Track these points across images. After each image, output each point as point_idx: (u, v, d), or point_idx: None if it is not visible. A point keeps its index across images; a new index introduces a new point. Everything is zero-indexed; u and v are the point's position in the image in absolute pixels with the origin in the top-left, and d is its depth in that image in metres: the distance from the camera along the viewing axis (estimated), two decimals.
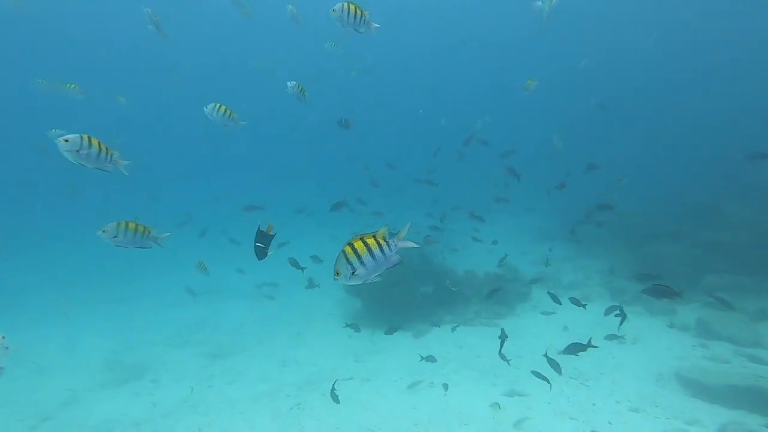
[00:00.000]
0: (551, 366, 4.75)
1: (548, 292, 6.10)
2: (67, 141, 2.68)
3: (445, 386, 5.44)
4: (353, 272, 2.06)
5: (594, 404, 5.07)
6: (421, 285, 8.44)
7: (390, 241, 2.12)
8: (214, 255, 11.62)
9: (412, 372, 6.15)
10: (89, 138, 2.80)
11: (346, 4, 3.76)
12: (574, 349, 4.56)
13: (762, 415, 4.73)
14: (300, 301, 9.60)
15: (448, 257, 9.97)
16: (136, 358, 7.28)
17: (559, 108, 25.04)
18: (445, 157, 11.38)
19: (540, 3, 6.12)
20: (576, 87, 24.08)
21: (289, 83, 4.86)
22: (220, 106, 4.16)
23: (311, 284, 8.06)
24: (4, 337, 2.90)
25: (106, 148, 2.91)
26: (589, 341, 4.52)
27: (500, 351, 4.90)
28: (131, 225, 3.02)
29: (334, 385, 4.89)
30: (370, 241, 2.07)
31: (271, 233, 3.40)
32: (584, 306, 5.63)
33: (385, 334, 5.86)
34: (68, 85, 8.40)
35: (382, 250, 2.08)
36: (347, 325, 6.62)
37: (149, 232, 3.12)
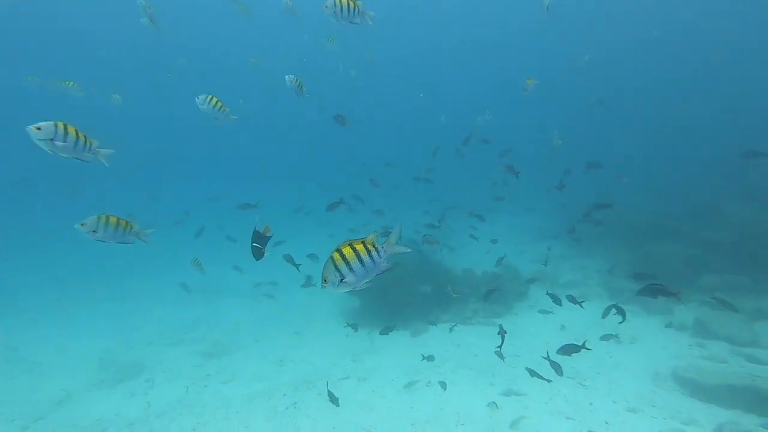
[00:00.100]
0: (553, 368, 4.78)
1: (548, 293, 6.06)
2: (39, 129, 2.53)
3: (443, 385, 5.42)
4: (342, 279, 2.01)
5: (591, 404, 5.05)
6: (420, 284, 8.41)
7: (379, 247, 2.07)
8: (212, 254, 11.56)
9: (409, 371, 6.12)
10: (65, 126, 2.65)
11: None
12: (568, 350, 4.56)
13: (758, 414, 4.72)
14: (298, 300, 9.56)
15: (446, 256, 9.95)
16: (131, 357, 7.22)
17: (559, 105, 25.02)
18: (445, 155, 11.34)
19: None
20: (576, 84, 24.07)
21: (287, 77, 4.80)
22: (212, 98, 4.10)
23: (308, 282, 8.03)
24: None
25: (85, 137, 2.77)
26: (584, 343, 4.51)
27: (501, 347, 4.91)
28: (112, 219, 2.92)
29: (328, 387, 4.86)
30: (359, 247, 2.02)
31: (267, 234, 3.45)
32: (581, 304, 5.61)
33: (380, 334, 5.81)
34: (67, 83, 8.32)
35: (371, 257, 2.03)
36: (348, 325, 6.59)
37: (131, 227, 3.03)
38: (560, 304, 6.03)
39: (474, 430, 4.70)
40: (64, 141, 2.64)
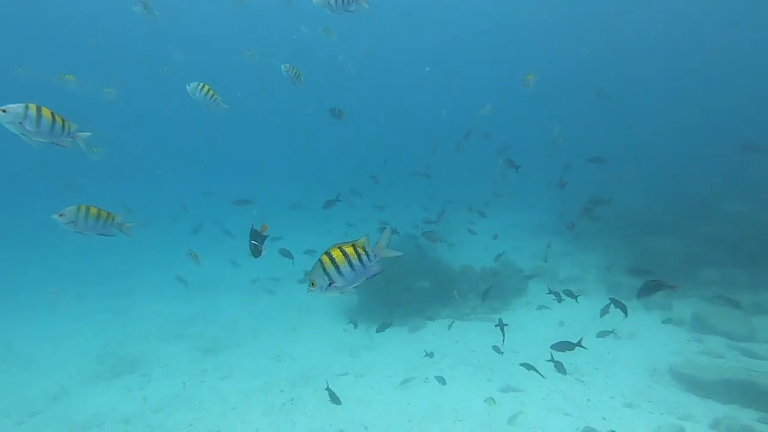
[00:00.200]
0: (555, 367, 4.82)
1: (549, 291, 6.00)
2: (5, 112, 2.32)
3: (442, 380, 5.41)
4: (330, 283, 1.94)
5: (589, 399, 5.05)
6: (418, 279, 8.38)
7: (370, 251, 2.01)
8: (209, 249, 11.50)
9: (407, 367, 6.11)
10: (38, 108, 2.45)
11: None
12: (563, 347, 4.54)
13: (755, 409, 4.73)
14: (295, 296, 9.52)
15: (445, 252, 9.91)
16: (127, 352, 7.18)
17: (558, 100, 24.86)
18: (444, 152, 11.25)
19: None
20: (574, 77, 23.92)
21: (283, 66, 4.68)
22: (203, 86, 3.97)
23: (306, 278, 7.98)
24: None
25: (63, 120, 2.58)
26: (579, 341, 4.48)
27: (503, 340, 4.97)
28: (92, 210, 2.77)
29: (328, 386, 4.84)
30: (349, 250, 1.95)
31: (264, 233, 3.52)
32: (576, 298, 5.62)
33: (376, 332, 5.78)
34: (65, 76, 8.19)
35: (361, 260, 1.97)
36: (350, 322, 6.56)
37: (113, 219, 2.87)
38: (560, 301, 6.02)
39: (471, 425, 4.70)
40: (37, 124, 2.43)
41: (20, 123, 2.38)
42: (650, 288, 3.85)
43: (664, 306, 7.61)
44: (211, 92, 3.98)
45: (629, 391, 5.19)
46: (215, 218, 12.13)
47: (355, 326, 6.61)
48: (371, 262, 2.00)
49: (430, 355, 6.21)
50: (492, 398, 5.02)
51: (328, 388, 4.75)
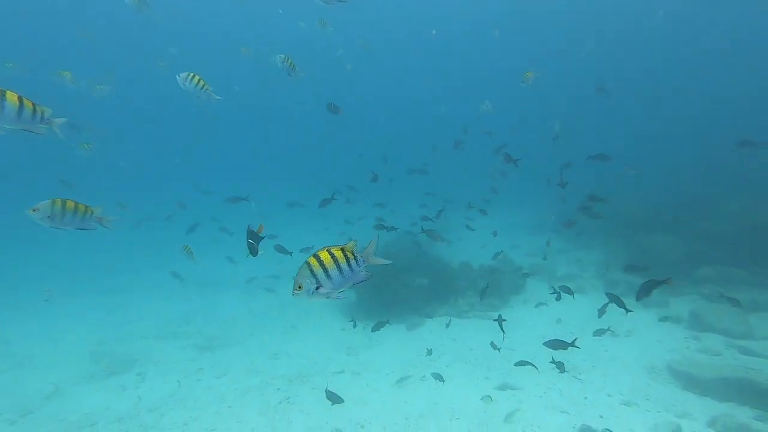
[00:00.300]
0: (557, 367, 4.86)
1: (554, 290, 5.93)
2: None
3: (439, 377, 5.39)
4: (317, 287, 1.87)
5: (586, 397, 5.04)
6: (416, 277, 8.34)
7: (358, 256, 1.95)
8: (206, 247, 11.43)
9: (404, 365, 6.08)
10: (2, 92, 2.29)
11: None
12: (556, 344, 4.51)
13: (751, 407, 4.73)
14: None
15: (443, 249, 9.87)
16: (123, 350, 7.13)
17: (558, 97, 24.78)
18: (443, 148, 11.19)
19: None
20: (574, 74, 23.82)
21: (278, 57, 4.58)
22: (193, 76, 3.87)
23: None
24: None
25: (33, 105, 2.39)
26: (573, 341, 4.45)
27: (503, 337, 5.07)
28: (69, 204, 2.63)
29: (328, 387, 4.80)
30: (338, 254, 1.90)
31: (260, 233, 3.59)
32: (572, 294, 5.60)
33: (371, 331, 5.74)
34: (62, 73, 8.09)
35: (349, 265, 1.91)
36: (351, 321, 6.52)
37: (92, 212, 2.74)
38: (558, 300, 6.00)
39: (468, 424, 4.67)
40: (1, 109, 2.26)
41: None
42: (647, 288, 3.86)
43: (661, 304, 7.60)
44: (201, 82, 3.88)
45: (627, 389, 5.18)
46: (213, 216, 12.06)
47: (355, 325, 6.57)
48: (359, 267, 1.95)
49: (429, 352, 6.20)
50: (489, 396, 5.00)
51: (327, 390, 4.68)
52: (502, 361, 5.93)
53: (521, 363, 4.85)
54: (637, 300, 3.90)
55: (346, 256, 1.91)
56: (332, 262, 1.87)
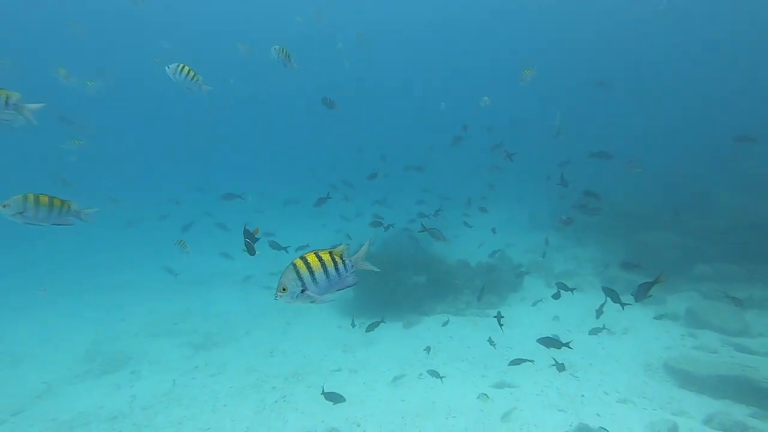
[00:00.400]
0: (557, 368, 4.86)
1: (558, 289, 5.84)
2: None
3: (436, 376, 5.36)
4: (302, 290, 1.80)
5: (583, 396, 5.02)
6: (414, 274, 8.30)
7: (347, 260, 1.89)
8: (203, 245, 11.33)
9: (401, 363, 6.05)
10: None
11: None
12: (549, 342, 4.48)
13: (747, 405, 4.73)
14: None
15: (440, 246, 9.82)
16: (117, 348, 7.06)
17: (557, 91, 24.65)
18: (441, 146, 11.09)
19: None
20: (574, 71, 23.71)
21: (273, 48, 4.47)
22: (183, 67, 3.77)
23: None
24: None
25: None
26: (568, 343, 4.41)
27: (500, 325, 5.16)
28: (43, 198, 2.48)
29: (324, 386, 4.76)
30: (326, 257, 1.84)
31: (257, 235, 3.68)
32: (572, 291, 5.56)
33: (366, 332, 5.69)
34: (60, 70, 7.96)
35: (337, 269, 1.85)
36: (349, 320, 6.46)
37: (68, 206, 2.59)
38: (557, 299, 5.97)
39: (465, 422, 4.65)
40: None
41: None
42: (644, 290, 3.85)
43: (658, 301, 7.60)
44: (191, 73, 3.77)
45: (623, 386, 5.18)
46: (208, 212, 11.94)
47: (354, 325, 6.53)
48: (347, 272, 1.89)
49: (428, 350, 6.16)
50: (486, 394, 4.97)
51: (327, 392, 4.62)
52: (500, 359, 5.91)
53: (516, 362, 4.82)
54: (636, 301, 3.88)
55: (334, 260, 1.84)
56: (319, 266, 1.81)
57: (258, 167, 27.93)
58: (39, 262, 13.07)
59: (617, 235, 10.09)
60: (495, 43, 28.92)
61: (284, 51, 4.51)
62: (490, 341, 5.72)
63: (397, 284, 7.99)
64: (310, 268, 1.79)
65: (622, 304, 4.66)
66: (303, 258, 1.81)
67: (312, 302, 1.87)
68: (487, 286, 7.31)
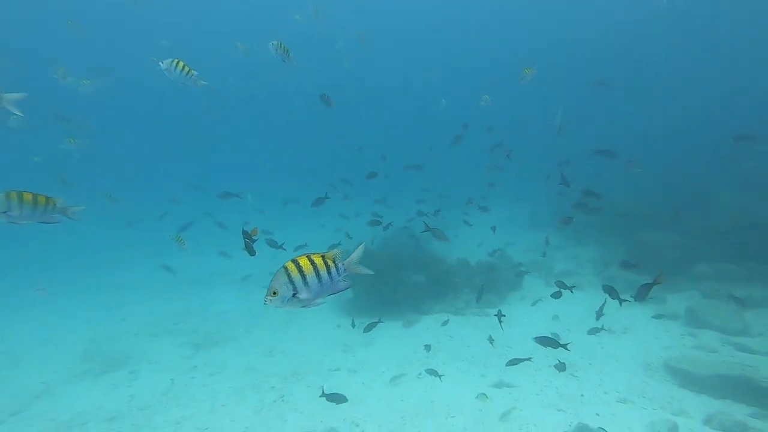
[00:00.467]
0: (557, 367, 4.89)
1: (559, 288, 5.82)
2: None
3: (435, 372, 5.35)
4: (294, 294, 1.76)
5: (582, 395, 5.01)
6: (413, 273, 8.28)
7: (340, 264, 1.86)
8: (202, 245, 11.31)
9: (400, 363, 6.04)
10: None
11: None
12: (546, 342, 4.44)
13: (748, 404, 4.72)
14: None
15: (440, 245, 9.80)
16: (116, 348, 7.04)
17: (556, 91, 24.63)
18: (441, 145, 11.07)
19: None
20: (573, 70, 23.69)
21: (270, 44, 4.43)
22: (178, 62, 3.73)
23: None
24: None
25: None
26: (565, 345, 4.37)
27: (500, 322, 5.17)
28: (27, 196, 2.41)
29: (324, 387, 4.74)
30: (318, 261, 1.80)
31: (255, 236, 3.77)
32: (571, 289, 5.54)
33: (363, 332, 5.67)
34: (59, 69, 7.94)
35: (329, 273, 1.81)
36: (349, 319, 6.44)
37: (54, 204, 2.53)
38: (557, 298, 5.94)
39: (464, 422, 4.64)
40: None
41: None
42: (644, 291, 3.85)
43: (658, 300, 7.59)
44: (186, 68, 3.73)
45: (623, 386, 5.16)
46: (207, 212, 11.93)
47: (354, 325, 6.51)
48: (339, 276, 1.86)
49: (427, 348, 6.14)
50: (485, 394, 4.96)
51: (327, 393, 4.59)
52: (499, 358, 5.90)
53: (514, 361, 4.79)
54: (636, 301, 3.87)
55: (326, 263, 1.81)
56: (311, 270, 1.78)
57: (258, 166, 27.92)
58: (32, 261, 13.04)
59: (617, 234, 10.08)
60: (495, 43, 28.87)
61: (282, 46, 4.47)
62: (490, 340, 5.71)
63: (397, 283, 7.97)
64: (302, 272, 1.76)
65: (621, 301, 4.65)
66: (295, 261, 1.78)
67: (303, 307, 1.83)
68: (486, 285, 7.30)
